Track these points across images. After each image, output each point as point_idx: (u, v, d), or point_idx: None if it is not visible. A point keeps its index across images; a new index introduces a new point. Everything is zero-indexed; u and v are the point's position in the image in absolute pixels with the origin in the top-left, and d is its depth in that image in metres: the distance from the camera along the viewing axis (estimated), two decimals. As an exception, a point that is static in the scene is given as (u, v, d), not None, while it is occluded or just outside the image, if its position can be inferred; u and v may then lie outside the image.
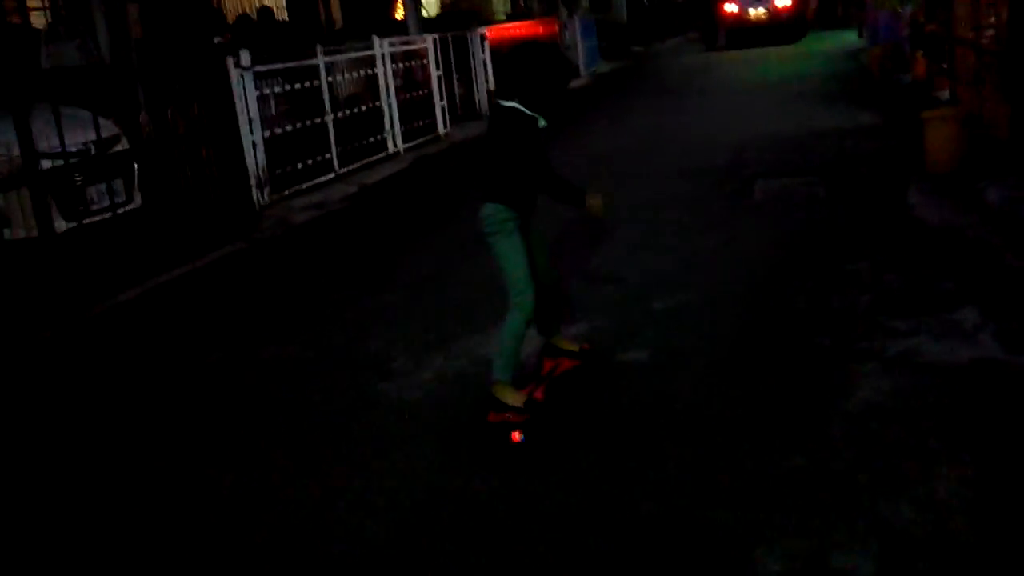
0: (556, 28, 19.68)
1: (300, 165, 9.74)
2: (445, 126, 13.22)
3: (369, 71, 11.32)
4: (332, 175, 10.23)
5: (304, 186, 9.67)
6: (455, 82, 14.88)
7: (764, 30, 24.98)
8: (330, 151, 10.26)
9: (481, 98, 14.91)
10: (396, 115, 11.70)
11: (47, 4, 14.80)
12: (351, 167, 10.57)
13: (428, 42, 12.89)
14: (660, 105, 14.45)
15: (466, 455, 3.83)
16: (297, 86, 9.87)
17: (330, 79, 10.43)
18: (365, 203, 9.50)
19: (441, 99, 13.13)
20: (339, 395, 4.61)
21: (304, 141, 10.09)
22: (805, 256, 5.99)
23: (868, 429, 3.68)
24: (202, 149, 8.45)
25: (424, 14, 21.45)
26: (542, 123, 3.78)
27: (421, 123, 12.53)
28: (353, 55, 10.99)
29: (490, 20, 22.63)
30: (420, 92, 12.67)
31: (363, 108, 11.11)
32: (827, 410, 3.88)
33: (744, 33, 25.23)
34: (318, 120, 10.16)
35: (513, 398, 3.82)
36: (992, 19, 8.27)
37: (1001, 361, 4.19)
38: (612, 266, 6.22)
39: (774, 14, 24.98)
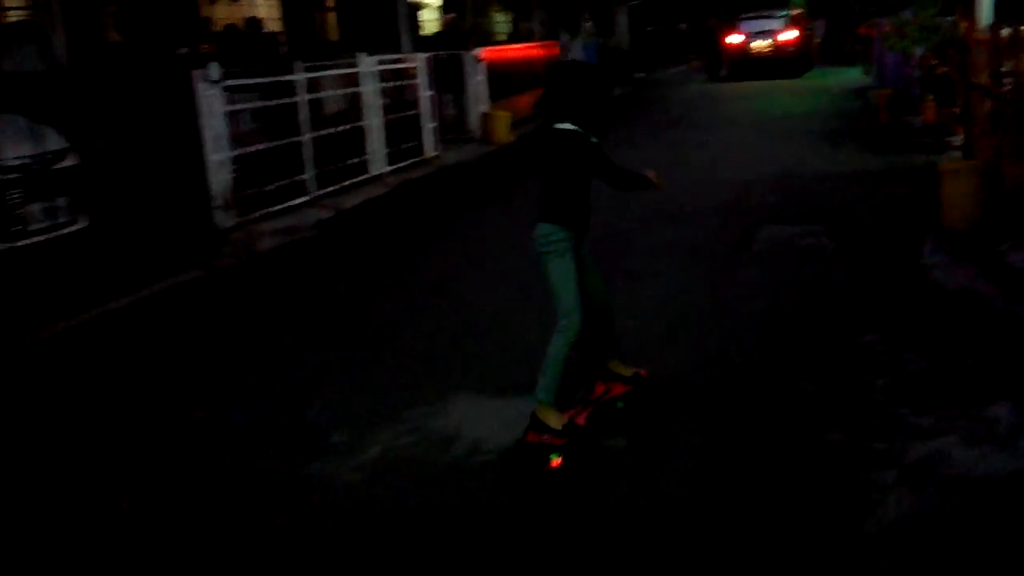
0: (557, 51, 19.14)
1: (271, 186, 9.10)
2: (434, 149, 12.62)
3: (354, 89, 10.72)
4: (306, 198, 9.59)
5: (274, 209, 9.03)
6: (448, 103, 14.31)
7: (767, 63, 24.52)
8: (305, 172, 9.62)
9: (473, 120, 14.32)
10: (381, 136, 11.09)
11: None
12: (328, 190, 9.94)
13: (418, 60, 12.30)
14: (661, 138, 13.87)
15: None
16: (274, 103, 9.27)
17: (312, 96, 9.81)
18: (339, 230, 8.86)
19: (431, 120, 12.53)
20: (258, 480, 3.93)
21: (279, 161, 9.47)
22: (811, 322, 5.36)
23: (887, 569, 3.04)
24: (160, 167, 7.80)
25: (424, 32, 21.04)
26: (595, 140, 3.82)
27: (408, 145, 11.92)
28: (336, 72, 10.38)
29: (490, 41, 22.14)
30: (408, 112, 12.07)
31: (346, 127, 10.49)
32: (839, 537, 3.23)
33: (747, 65, 24.77)
34: (295, 139, 9.54)
35: (554, 420, 3.79)
36: (1012, 65, 7.69)
37: (1045, 477, 3.55)
38: None
39: (778, 47, 24.53)
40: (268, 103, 9.35)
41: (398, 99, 12.06)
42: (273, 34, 16.15)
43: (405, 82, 12.14)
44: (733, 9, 32.19)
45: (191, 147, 8.10)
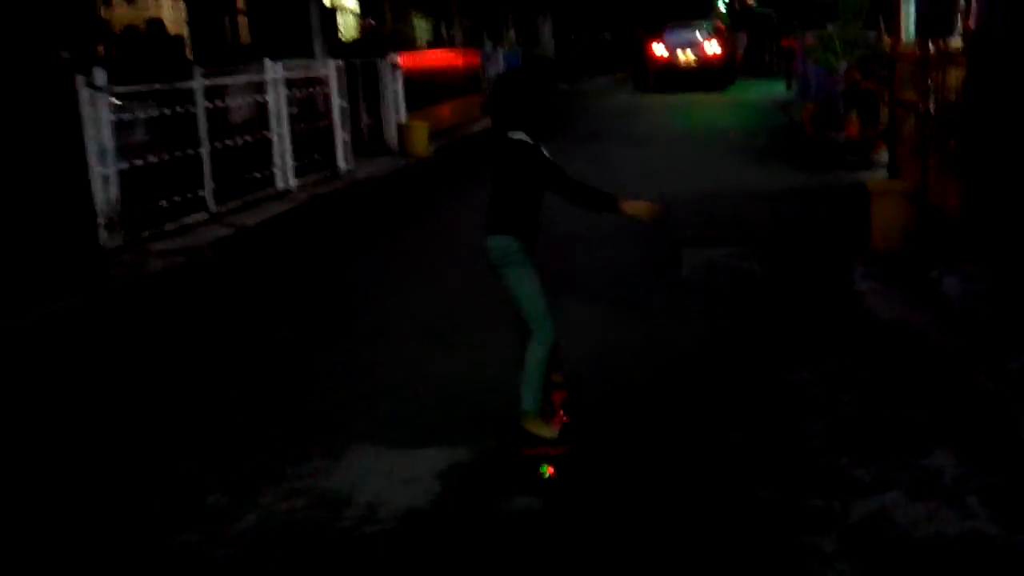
0: (478, 60, 18.70)
1: (165, 203, 8.41)
2: (347, 162, 12.03)
3: (261, 98, 10.09)
4: (205, 215, 8.92)
5: (168, 227, 8.35)
6: (363, 113, 13.73)
7: (693, 75, 24.53)
8: (204, 187, 8.95)
9: (390, 132, 13.76)
10: (288, 148, 10.47)
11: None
12: (230, 206, 9.28)
13: (331, 68, 11.71)
14: (583, 152, 13.48)
15: None
16: (171, 111, 8.60)
17: (212, 105, 9.14)
18: (237, 250, 8.22)
19: (344, 132, 11.94)
20: (114, 555, 3.35)
21: (176, 175, 8.79)
22: (741, 357, 4.98)
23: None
24: (35, 181, 7.07)
25: (342, 38, 20.38)
26: (546, 154, 3.76)
27: (318, 157, 11.31)
28: (239, 79, 9.73)
29: (411, 48, 21.59)
30: (320, 123, 11.46)
31: (250, 139, 9.84)
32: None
33: (673, 76, 24.74)
34: (194, 151, 8.87)
35: (547, 431, 3.76)
36: (939, 81, 7.51)
37: (997, 541, 3.20)
38: (498, 369, 4.66)
39: (703, 60, 24.56)
40: (163, 112, 8.67)
41: (309, 109, 11.46)
42: (177, 37, 15.36)
43: (316, 91, 11.53)
44: (658, 20, 32.33)
45: (72, 160, 7.39)
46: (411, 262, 7.56)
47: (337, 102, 11.74)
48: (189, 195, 8.79)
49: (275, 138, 10.23)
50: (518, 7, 27.99)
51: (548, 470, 3.69)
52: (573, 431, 3.84)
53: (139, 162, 8.36)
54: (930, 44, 7.48)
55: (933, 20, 11.94)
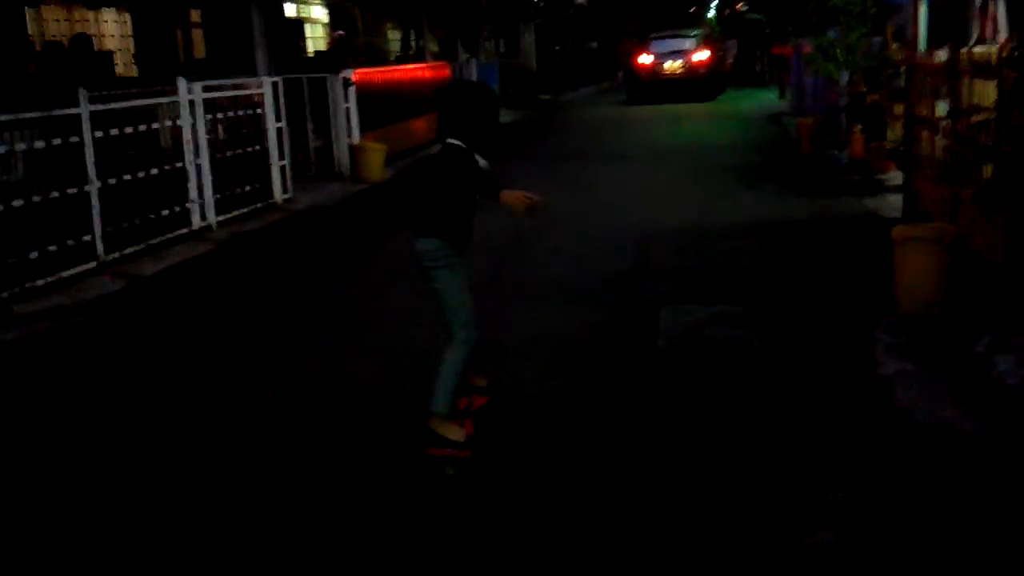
0: (447, 72, 17.30)
1: (36, 253, 6.96)
2: (285, 191, 10.59)
3: (175, 122, 8.66)
4: (94, 263, 7.47)
5: (41, 282, 6.90)
6: (310, 134, 12.31)
7: (679, 85, 23.19)
8: (92, 231, 7.51)
9: (342, 154, 12.33)
10: (208, 178, 9.02)
11: None
12: (127, 251, 7.84)
13: (265, 87, 10.28)
14: (557, 174, 12.11)
15: None
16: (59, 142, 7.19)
17: (103, 133, 7.70)
18: (121, 310, 6.76)
19: (281, 157, 10.51)
20: None
21: (62, 217, 7.38)
22: (729, 501, 3.53)
23: None
24: None
25: (306, 51, 18.98)
26: (483, 163, 3.82)
27: (249, 188, 9.87)
28: (144, 102, 8.28)
29: (385, 60, 20.18)
30: (251, 148, 10.03)
31: (159, 171, 8.40)
32: None
33: (658, 87, 23.40)
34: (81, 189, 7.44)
35: (455, 433, 3.77)
36: (975, 99, 6.11)
37: None
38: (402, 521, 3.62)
39: (690, 69, 23.22)
40: (50, 143, 7.25)
41: (242, 133, 10.03)
42: (106, 53, 13.91)
43: (249, 113, 10.10)
44: (645, 28, 31.02)
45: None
46: (340, 314, 6.14)
47: (272, 124, 10.30)
48: (75, 241, 7.35)
49: (190, 168, 8.78)
50: (497, 16, 26.64)
51: (448, 471, 3.70)
52: (478, 440, 3.83)
53: (17, 203, 6.94)
54: (960, 52, 6.08)
55: (946, 26, 10.55)
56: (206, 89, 9.07)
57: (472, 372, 4.06)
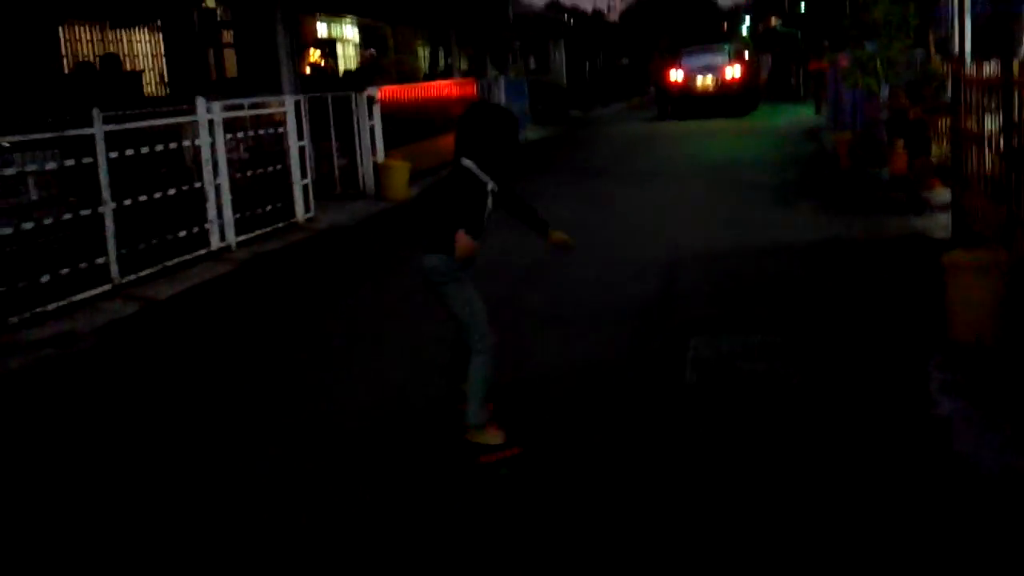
0: (473, 90, 17.09)
1: (47, 277, 6.77)
2: (308, 210, 10.38)
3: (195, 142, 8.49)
4: (108, 286, 7.28)
5: (52, 307, 6.70)
6: (335, 153, 12.12)
7: (712, 101, 22.81)
8: (107, 252, 7.31)
9: (366, 172, 12.11)
10: (227, 198, 8.83)
11: None
12: (143, 273, 7.64)
13: (288, 105, 10.09)
14: (584, 191, 11.80)
15: None
16: (77, 162, 7.05)
17: (119, 153, 7.53)
18: (133, 334, 6.54)
19: (303, 176, 10.30)
20: None
21: (77, 238, 7.23)
22: (764, 562, 3.18)
23: None
24: None
25: (343, 68, 18.88)
26: (492, 185, 3.92)
27: (271, 208, 9.66)
28: (158, 123, 8.11)
29: (415, 78, 20.05)
30: (273, 168, 9.84)
31: (179, 190, 8.22)
32: None
33: (690, 103, 23.03)
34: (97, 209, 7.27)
35: (495, 437, 3.89)
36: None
37: None
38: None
39: (723, 85, 22.83)
40: (63, 164, 7.11)
41: (264, 152, 9.85)
42: (136, 73, 13.86)
43: (272, 132, 9.92)
44: (676, 44, 30.69)
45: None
46: (360, 337, 5.87)
47: (295, 143, 10.11)
48: (89, 264, 7.16)
49: (209, 188, 8.59)
50: (526, 33, 26.47)
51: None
52: (515, 434, 3.96)
53: (28, 225, 6.78)
54: (1014, 63, 5.69)
55: (991, 37, 10.13)
56: (226, 108, 8.89)
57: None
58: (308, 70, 16.84)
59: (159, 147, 8.02)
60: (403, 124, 13.34)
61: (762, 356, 5.13)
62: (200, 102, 8.53)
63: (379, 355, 5.63)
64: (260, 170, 9.61)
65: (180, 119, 8.35)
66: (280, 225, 9.79)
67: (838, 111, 15.94)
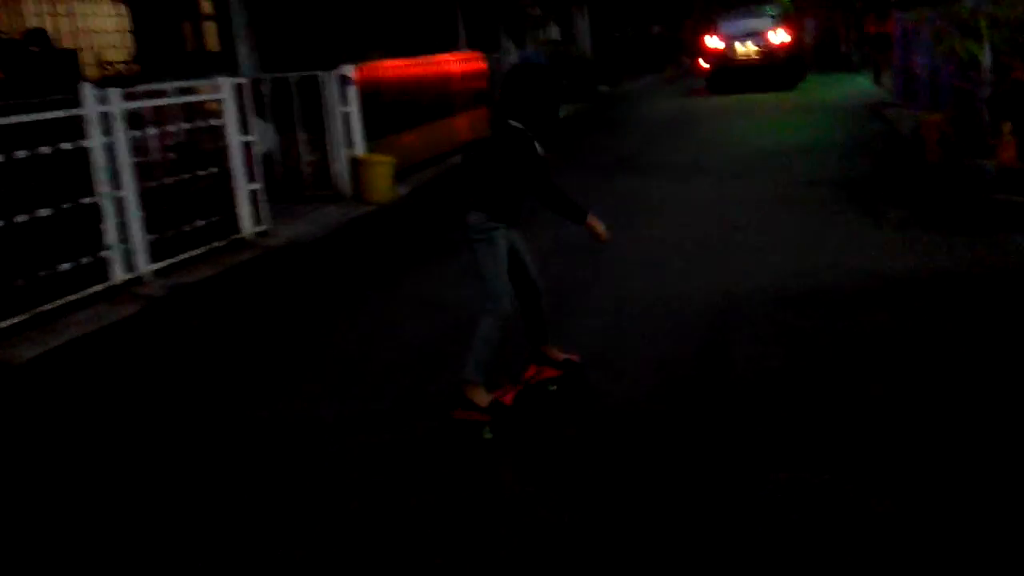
0: (482, 65, 14.89)
1: None
2: (258, 221, 8.33)
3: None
4: (-60, 351, 5.30)
5: None
6: (301, 146, 10.05)
7: (754, 72, 20.30)
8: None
9: (340, 170, 10.03)
10: (136, 215, 6.80)
11: None
12: (10, 323, 5.66)
13: (224, 90, 8.00)
14: (608, 191, 9.62)
15: None
16: None
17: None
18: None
19: (252, 179, 8.24)
20: None
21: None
22: None
23: None
24: None
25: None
26: (540, 149, 3.91)
27: (204, 222, 7.62)
28: (31, 118, 6.06)
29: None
30: (207, 171, 7.79)
31: (58, 209, 6.21)
32: None
33: (730, 74, 20.55)
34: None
35: (481, 398, 3.91)
36: None
37: None
38: None
39: (768, 52, 20.29)
40: None
41: (198, 151, 7.82)
42: (69, 51, 11.82)
43: (200, 124, 7.87)
44: (712, 8, 28.17)
45: None
46: (298, 436, 3.83)
47: (237, 138, 8.04)
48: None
49: (106, 204, 6.56)
50: (546, 0, 24.11)
51: (486, 436, 3.82)
52: (507, 410, 3.94)
53: None
54: None
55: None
56: (129, 97, 6.83)
57: (547, 344, 4.27)
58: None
59: (46, 149, 6.01)
60: (389, 109, 11.22)
61: (859, 514, 2.99)
62: (87, 90, 6.47)
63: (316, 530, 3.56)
64: (188, 175, 7.55)
65: (55, 113, 6.27)
66: (218, 244, 7.75)
67: (908, 83, 13.53)
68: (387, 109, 11.12)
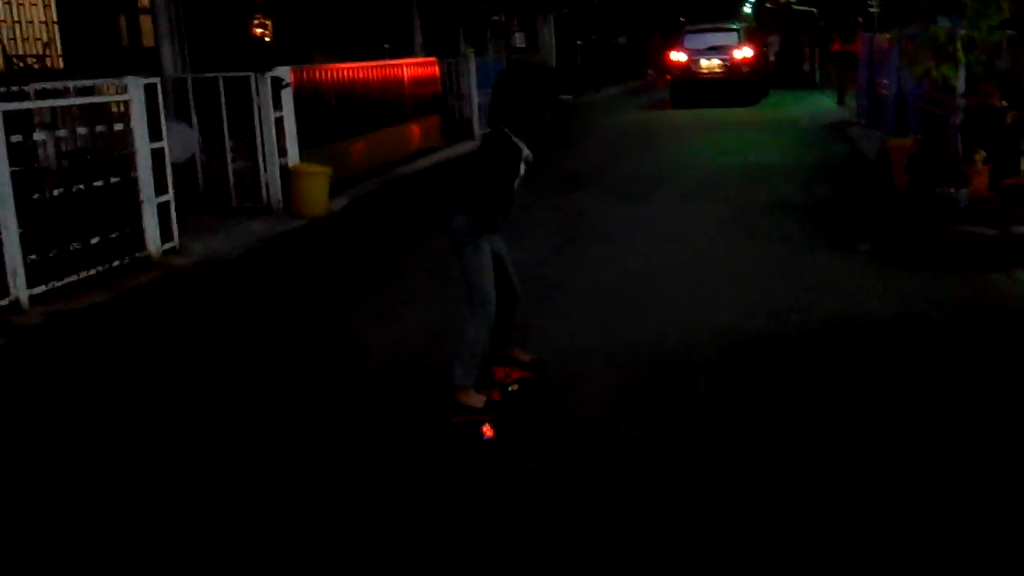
0: (435, 70, 14.20)
1: None
2: (169, 238, 7.53)
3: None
4: None
5: None
6: (228, 153, 9.28)
7: (718, 86, 19.88)
8: None
9: (272, 180, 9.26)
10: (13, 233, 5.99)
11: None
12: None
13: (132, 91, 7.21)
14: (557, 212, 8.96)
15: None
16: None
17: None
18: None
19: (161, 191, 7.45)
20: None
21: None
22: None
23: None
24: None
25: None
26: (526, 152, 3.93)
27: (99, 239, 6.81)
28: None
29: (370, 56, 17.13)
30: (107, 181, 6.98)
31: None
32: None
33: (694, 88, 20.11)
34: None
35: (475, 401, 3.93)
36: None
37: None
38: None
39: (732, 68, 19.87)
40: None
41: (99, 158, 7.01)
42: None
43: (102, 129, 7.07)
44: (677, 23, 27.79)
45: None
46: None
47: (145, 145, 7.25)
48: None
49: (-21, 219, 5.76)
50: (510, 6, 23.50)
51: (486, 430, 3.81)
52: (499, 405, 3.96)
53: None
54: None
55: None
56: (10, 97, 6.03)
57: (512, 346, 4.29)
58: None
59: None
60: (330, 116, 10.49)
61: None
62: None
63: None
64: (83, 186, 6.74)
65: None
66: (118, 263, 6.94)
67: (873, 104, 13.09)
68: (328, 115, 10.39)
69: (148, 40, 14.22)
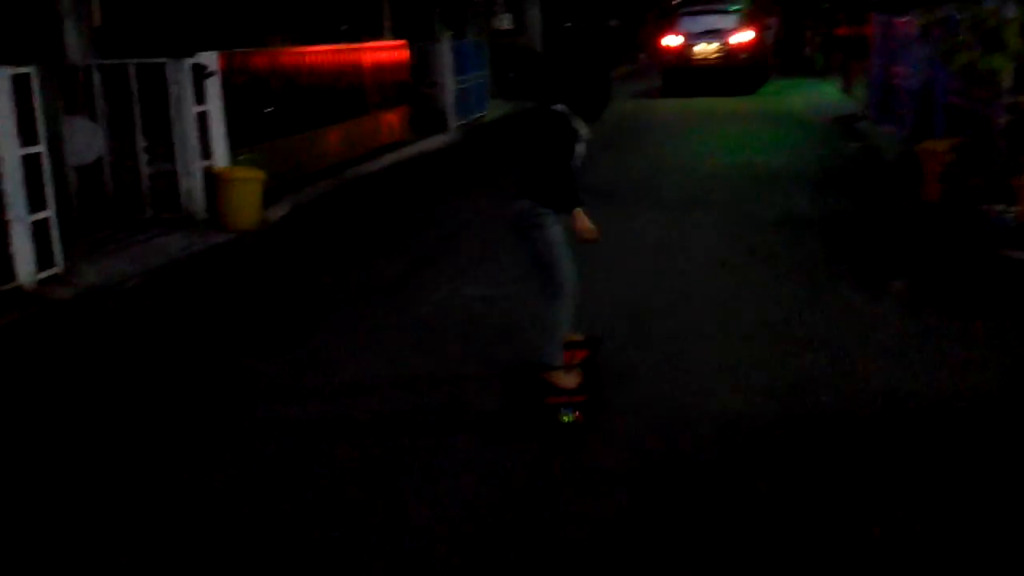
0: (404, 55, 12.81)
1: None
2: (50, 263, 6.17)
3: None
4: None
5: None
6: (141, 155, 7.91)
7: (713, 73, 18.51)
8: None
9: (193, 186, 7.89)
10: None
11: None
12: None
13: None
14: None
15: None
16: None
17: None
18: None
19: (37, 207, 6.08)
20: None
21: None
22: None
23: None
24: None
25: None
26: (585, 131, 3.84)
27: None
28: None
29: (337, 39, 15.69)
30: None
31: None
32: None
33: (687, 75, 18.73)
34: None
35: (569, 380, 3.87)
36: None
37: None
38: None
39: (728, 54, 18.49)
40: None
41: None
42: None
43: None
44: (673, 3, 26.34)
45: None
46: None
47: (14, 151, 5.89)
48: None
49: None
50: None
51: (575, 415, 3.73)
52: (590, 383, 3.91)
53: None
54: None
55: None
56: None
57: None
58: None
59: None
60: (271, 109, 9.12)
61: None
62: None
63: None
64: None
65: None
66: (-21, 297, 5.60)
67: (888, 98, 11.75)
68: (269, 108, 9.02)
69: (95, 21, 12.76)
